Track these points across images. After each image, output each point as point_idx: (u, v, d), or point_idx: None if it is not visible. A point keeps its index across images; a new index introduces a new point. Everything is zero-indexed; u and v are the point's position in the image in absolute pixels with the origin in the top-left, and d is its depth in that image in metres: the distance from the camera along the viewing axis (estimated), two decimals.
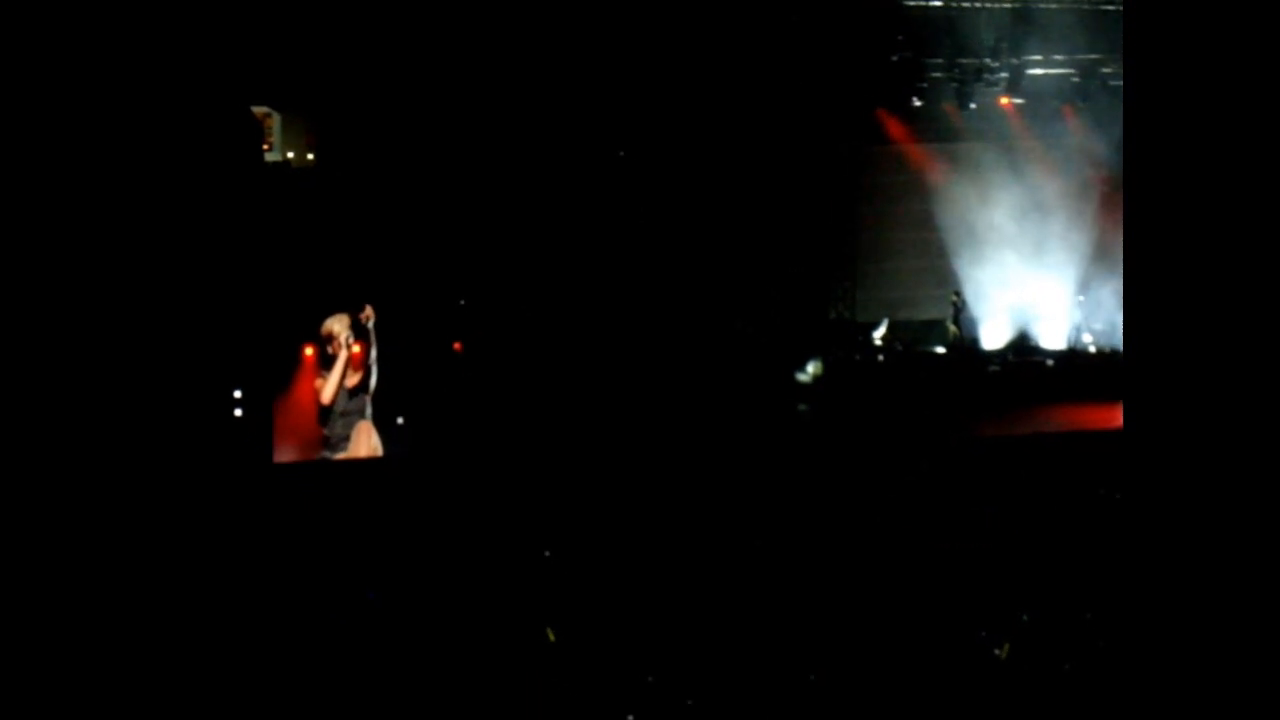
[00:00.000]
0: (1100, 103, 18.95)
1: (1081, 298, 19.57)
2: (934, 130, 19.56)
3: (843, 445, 16.09)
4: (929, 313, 19.80)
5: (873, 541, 12.24)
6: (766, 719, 8.89)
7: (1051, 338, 19.66)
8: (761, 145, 17.99)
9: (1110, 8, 18.20)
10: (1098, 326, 19.46)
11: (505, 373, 16.14)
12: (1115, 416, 16.26)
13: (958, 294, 19.50)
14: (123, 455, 11.05)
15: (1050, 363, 19.28)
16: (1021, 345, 19.59)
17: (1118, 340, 19.09)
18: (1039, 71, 19.14)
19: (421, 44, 15.77)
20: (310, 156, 16.22)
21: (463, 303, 16.43)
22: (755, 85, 17.54)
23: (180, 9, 12.59)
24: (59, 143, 9.77)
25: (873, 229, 19.59)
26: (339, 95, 15.87)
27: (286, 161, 15.97)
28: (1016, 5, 18.43)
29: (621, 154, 17.63)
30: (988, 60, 18.87)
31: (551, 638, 9.79)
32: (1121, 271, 18.20)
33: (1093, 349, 19.47)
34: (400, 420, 15.66)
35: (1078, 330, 19.63)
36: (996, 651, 9.34)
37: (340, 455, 15.48)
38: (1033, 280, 19.33)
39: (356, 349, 15.50)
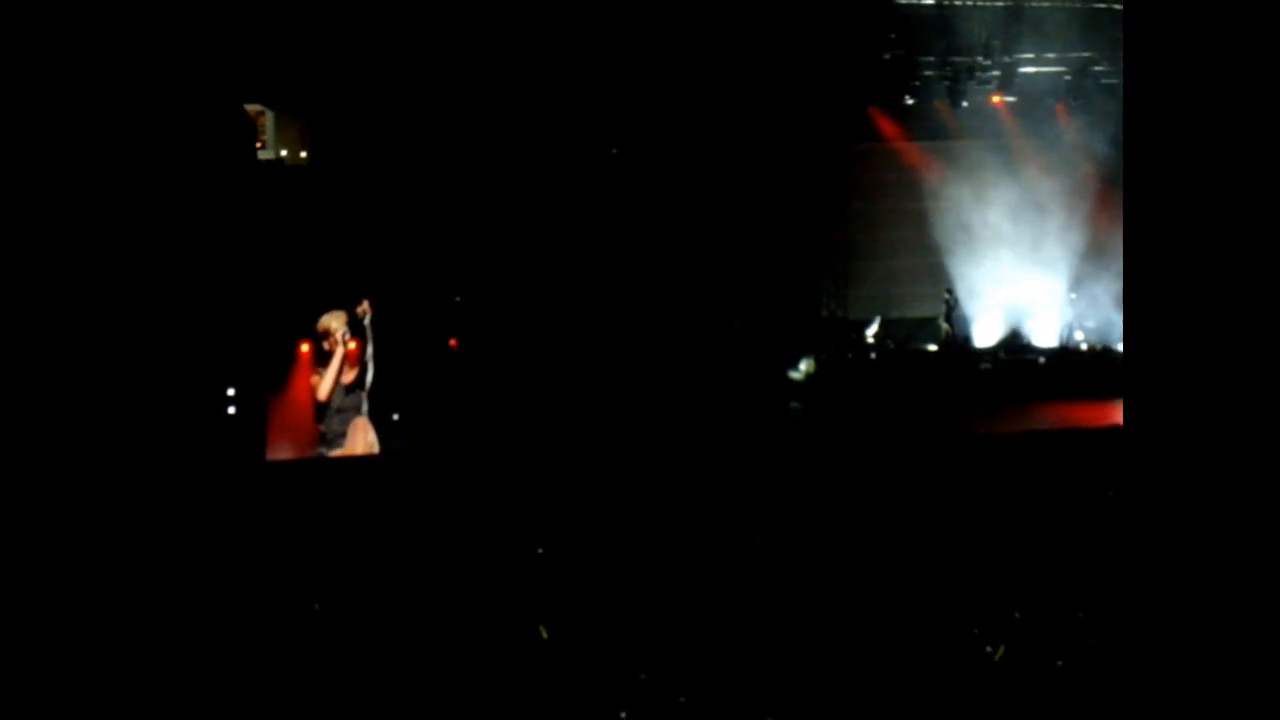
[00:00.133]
0: (1093, 101, 19.00)
1: (1073, 295, 19.62)
2: (926, 128, 19.59)
3: (835, 443, 16.11)
4: (921, 311, 19.84)
5: (864, 539, 12.25)
6: (759, 717, 8.90)
7: (1043, 335, 19.70)
8: (753, 143, 18.01)
9: (1102, 6, 18.25)
10: (1090, 324, 19.50)
11: (500, 369, 16.16)
12: (1107, 414, 16.37)
13: (950, 292, 19.53)
14: (113, 454, 11.04)
15: (1042, 360, 19.31)
16: (1013, 343, 19.62)
17: (1110, 338, 19.16)
18: (1031, 70, 19.18)
19: (415, 42, 15.78)
20: (303, 154, 16.22)
21: (458, 299, 16.45)
22: (747, 83, 17.56)
23: (173, 7, 12.58)
24: (49, 140, 9.74)
25: (865, 227, 19.62)
26: (332, 93, 15.88)
27: (280, 159, 15.97)
28: (1008, 3, 18.46)
29: (614, 152, 17.64)
30: (980, 58, 18.91)
31: (544, 635, 9.79)
32: (1113, 269, 18.25)
33: (1084, 347, 19.51)
34: (395, 416, 15.68)
35: (1070, 328, 19.67)
36: (989, 649, 9.35)
37: (337, 451, 15.50)
38: (1025, 278, 19.38)
39: (353, 345, 15.51)
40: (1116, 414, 15.74)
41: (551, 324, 16.75)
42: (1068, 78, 19.22)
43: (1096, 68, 18.99)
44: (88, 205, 10.86)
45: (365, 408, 15.58)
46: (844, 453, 15.34)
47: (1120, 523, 5.17)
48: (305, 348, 15.55)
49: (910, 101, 19.13)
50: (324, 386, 15.46)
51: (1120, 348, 18.79)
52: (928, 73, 18.96)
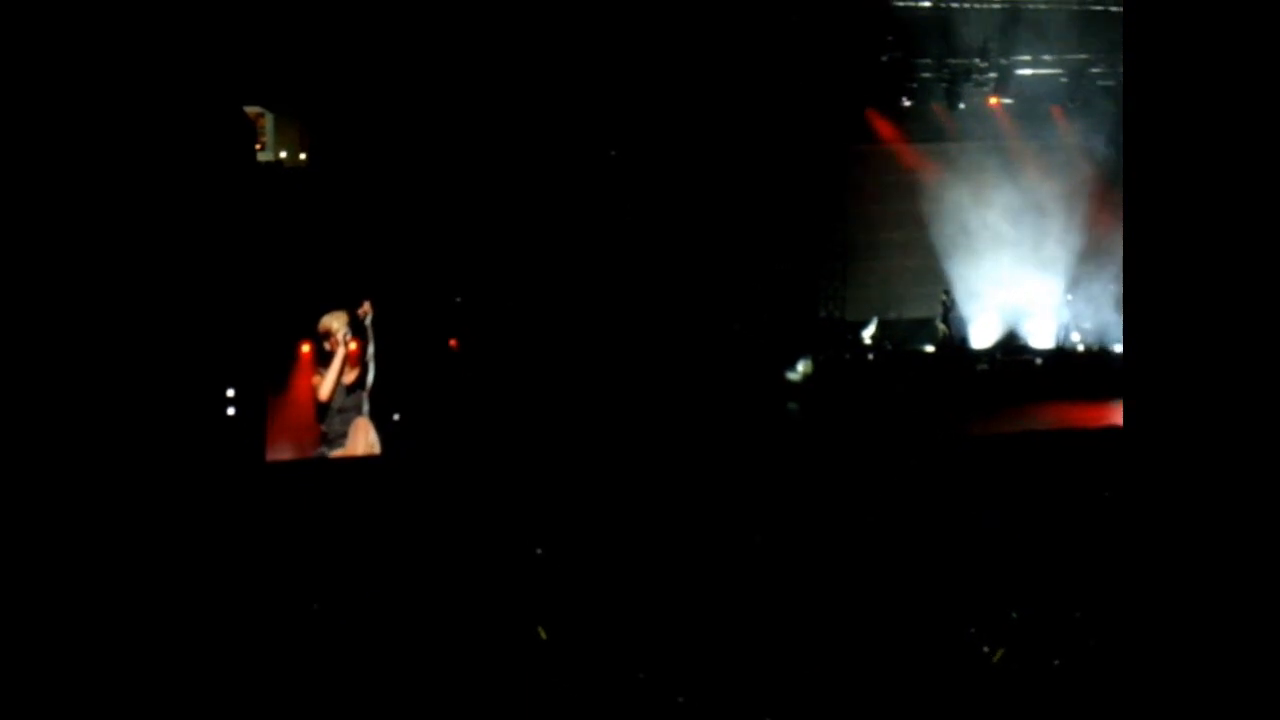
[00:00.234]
0: (1089, 103, 19.05)
1: (1070, 296, 19.65)
2: (923, 130, 19.63)
3: (832, 444, 16.14)
4: (918, 312, 19.86)
5: (861, 539, 12.27)
6: (758, 717, 8.92)
7: (1040, 336, 19.73)
8: (751, 144, 18.03)
9: (1098, 8, 18.29)
10: (1086, 325, 19.54)
11: (500, 370, 16.18)
12: (1104, 415, 16.41)
13: (947, 293, 19.56)
14: (112, 455, 11.04)
15: (1039, 361, 19.35)
16: (1010, 344, 19.65)
17: (1107, 339, 19.21)
18: (1028, 72, 19.22)
19: (414, 44, 15.79)
20: (303, 156, 16.24)
21: (458, 300, 16.47)
22: (745, 84, 17.58)
23: (172, 8, 12.59)
24: (48, 141, 9.75)
25: (862, 228, 19.64)
26: (332, 95, 15.89)
27: (279, 161, 15.99)
28: (1005, 6, 18.50)
29: (613, 153, 17.67)
30: (977, 60, 18.95)
31: (543, 636, 9.80)
32: (1110, 270, 18.26)
33: (1081, 348, 19.54)
34: (396, 417, 15.71)
35: (1066, 329, 19.71)
36: (986, 649, 9.38)
37: (338, 451, 15.54)
38: (1022, 279, 19.41)
39: (354, 345, 15.55)
40: (1113, 415, 15.79)
41: (551, 324, 16.77)
42: (1065, 80, 19.26)
43: (1093, 70, 19.04)
44: (87, 207, 10.86)
45: (366, 408, 15.62)
46: (842, 453, 15.37)
47: (1118, 523, 5.19)
48: (306, 348, 15.58)
49: (908, 103, 19.16)
50: (325, 387, 15.50)
51: (1117, 348, 18.83)
52: (925, 75, 18.99)
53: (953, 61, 18.89)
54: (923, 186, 19.61)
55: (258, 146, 15.71)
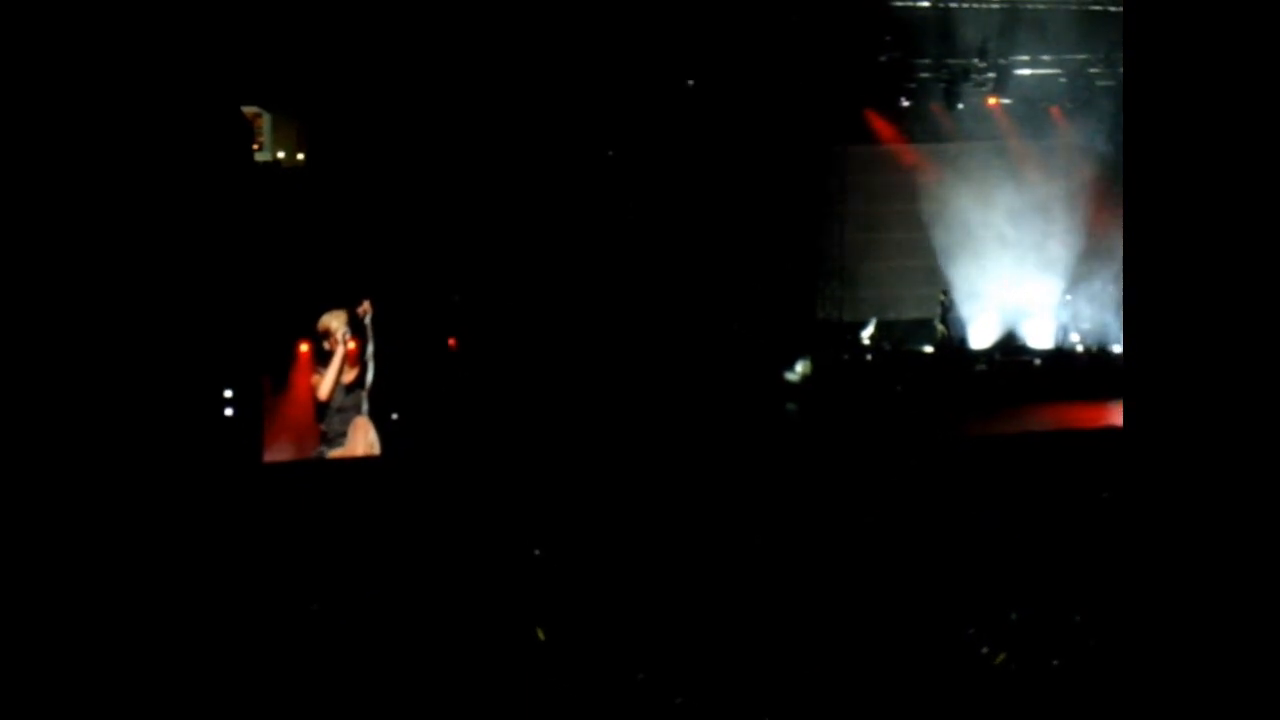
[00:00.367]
0: (1088, 103, 19.04)
1: (1069, 297, 19.65)
2: (922, 130, 19.60)
3: (831, 444, 16.13)
4: (917, 312, 19.85)
5: (860, 540, 12.27)
6: (757, 717, 8.91)
7: (1039, 337, 19.73)
8: (750, 145, 18.02)
9: (1098, 8, 18.29)
10: (1085, 326, 19.54)
11: (499, 369, 16.18)
12: (1102, 415, 16.41)
13: (945, 294, 19.55)
14: (111, 455, 11.05)
15: (1037, 362, 19.35)
16: (1009, 345, 19.64)
17: (1105, 340, 19.21)
18: (1027, 72, 19.20)
19: (412, 43, 15.78)
20: (300, 156, 16.24)
21: (458, 299, 16.47)
22: (744, 84, 17.58)
23: (171, 8, 12.59)
24: (47, 142, 9.74)
25: (860, 229, 19.62)
26: (329, 95, 15.88)
27: (277, 161, 15.98)
28: (1005, 6, 18.50)
29: (611, 153, 17.66)
30: (975, 61, 18.92)
31: (541, 636, 9.80)
32: (1109, 271, 18.27)
33: (1080, 348, 19.54)
34: (394, 416, 15.71)
35: (1065, 330, 19.70)
36: (985, 650, 9.37)
37: (337, 451, 15.54)
38: (1021, 280, 19.40)
39: (353, 345, 15.56)
40: (1112, 415, 15.80)
41: (550, 324, 16.76)
42: (1063, 80, 19.24)
43: (1092, 70, 19.03)
44: (86, 206, 10.86)
45: (365, 407, 15.63)
46: (841, 454, 15.37)
47: (1117, 524, 5.18)
48: (305, 347, 15.58)
49: (906, 103, 19.14)
50: (324, 386, 15.51)
51: (1116, 349, 18.83)
52: (924, 75, 18.97)
53: (952, 61, 18.86)
54: (921, 187, 19.60)
55: (255, 146, 15.71)
